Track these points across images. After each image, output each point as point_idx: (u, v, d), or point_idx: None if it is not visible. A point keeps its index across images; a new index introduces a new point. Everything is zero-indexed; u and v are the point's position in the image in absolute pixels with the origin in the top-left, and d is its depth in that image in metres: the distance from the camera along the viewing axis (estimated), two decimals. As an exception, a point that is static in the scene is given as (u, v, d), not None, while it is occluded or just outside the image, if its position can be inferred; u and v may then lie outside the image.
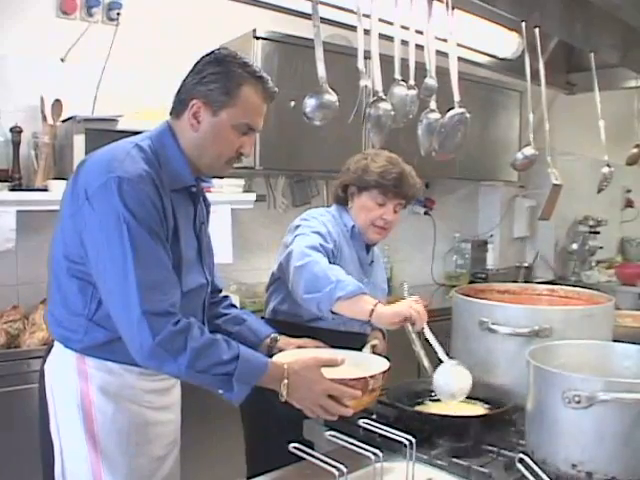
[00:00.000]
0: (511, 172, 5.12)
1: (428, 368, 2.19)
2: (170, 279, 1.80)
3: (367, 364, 2.03)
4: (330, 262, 2.35)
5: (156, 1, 3.73)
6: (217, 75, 1.89)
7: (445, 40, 2.70)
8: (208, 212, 2.23)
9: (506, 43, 4.69)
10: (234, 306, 2.38)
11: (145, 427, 1.97)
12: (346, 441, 1.60)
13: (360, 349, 2.33)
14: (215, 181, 3.83)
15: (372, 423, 1.74)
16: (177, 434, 2.15)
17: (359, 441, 1.59)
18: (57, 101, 3.40)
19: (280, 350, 2.20)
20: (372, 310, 2.16)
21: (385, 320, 2.20)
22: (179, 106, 1.96)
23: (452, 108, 2.68)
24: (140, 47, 3.80)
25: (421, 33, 2.62)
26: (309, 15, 3.54)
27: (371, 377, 1.87)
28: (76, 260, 1.84)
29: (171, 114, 2.00)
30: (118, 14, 3.79)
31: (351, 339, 2.42)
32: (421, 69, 2.65)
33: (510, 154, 5.24)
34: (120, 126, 3.35)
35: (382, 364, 2.00)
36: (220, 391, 1.79)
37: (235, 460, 2.74)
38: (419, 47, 2.64)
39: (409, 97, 2.50)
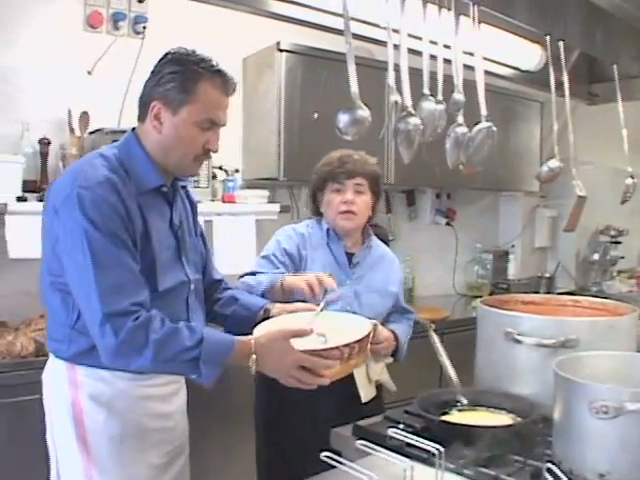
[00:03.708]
0: (532, 182, 5.12)
1: (454, 378, 2.20)
2: (133, 280, 1.82)
3: (353, 328, 2.00)
4: (289, 272, 2.54)
5: (181, 15, 3.77)
6: (174, 74, 1.91)
7: (471, 54, 2.72)
8: (194, 210, 2.25)
9: (529, 55, 4.71)
10: (228, 288, 2.38)
11: (141, 435, 1.98)
12: (375, 450, 1.61)
13: None
14: (240, 192, 3.89)
15: (401, 432, 1.75)
16: (181, 442, 2.15)
17: (388, 450, 1.61)
18: (84, 113, 3.45)
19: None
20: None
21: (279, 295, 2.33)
22: (142, 110, 1.98)
23: (479, 122, 2.70)
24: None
25: (448, 47, 2.63)
26: (332, 29, 3.60)
27: (345, 346, 1.85)
28: (55, 273, 1.90)
29: (138, 119, 2.01)
30: (144, 27, 3.85)
31: None
32: (446, 82, 2.67)
33: (531, 164, 5.28)
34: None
35: (364, 328, 1.99)
36: (193, 376, 1.82)
37: (247, 470, 2.79)
38: (446, 61, 2.66)
39: (438, 112, 2.52)
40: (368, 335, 1.95)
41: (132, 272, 1.82)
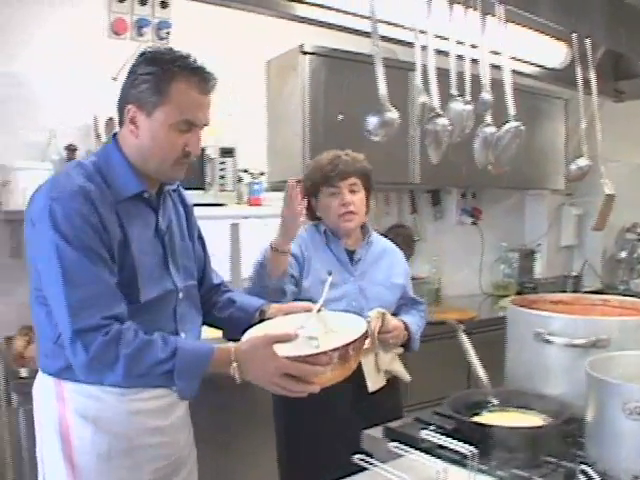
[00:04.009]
0: (558, 180, 5.11)
1: (484, 378, 2.20)
2: (106, 292, 1.75)
3: (350, 328, 1.87)
4: (295, 272, 2.62)
5: (204, 19, 3.79)
6: (147, 75, 1.81)
7: (498, 53, 2.71)
8: (188, 213, 2.17)
9: (554, 53, 4.68)
10: (228, 291, 2.30)
11: (131, 451, 1.91)
12: (408, 452, 1.61)
13: None
14: (265, 194, 3.89)
15: (433, 434, 1.74)
16: (180, 455, 2.08)
17: (420, 451, 1.61)
18: (110, 119, 3.48)
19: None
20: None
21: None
22: (119, 114, 1.91)
23: (507, 121, 2.68)
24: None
25: (475, 47, 2.62)
26: (356, 30, 3.59)
27: (334, 350, 1.72)
28: (38, 287, 1.85)
29: (118, 124, 1.94)
30: (167, 33, 3.88)
31: None
32: (473, 82, 2.66)
33: (557, 162, 5.26)
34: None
35: (359, 329, 1.86)
36: (173, 388, 1.76)
37: (269, 475, 2.81)
38: (473, 61, 2.65)
39: (466, 112, 2.51)
40: (363, 336, 1.83)
41: (106, 285, 1.75)
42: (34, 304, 1.89)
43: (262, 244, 2.52)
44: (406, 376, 2.70)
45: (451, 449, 1.67)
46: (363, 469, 1.57)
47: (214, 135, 3.61)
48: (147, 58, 1.85)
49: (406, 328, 2.67)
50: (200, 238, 2.25)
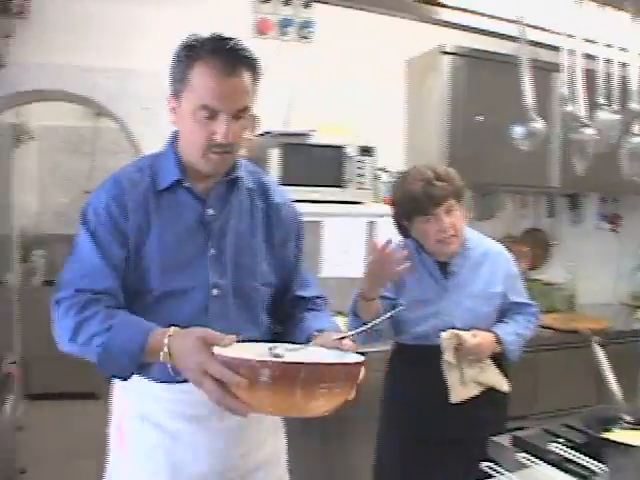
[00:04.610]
0: None
1: (617, 393, 2.16)
2: (90, 271, 1.76)
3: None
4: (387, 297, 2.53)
5: (345, 19, 3.86)
6: (175, 62, 1.77)
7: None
8: (271, 215, 1.98)
9: None
10: (313, 309, 2.02)
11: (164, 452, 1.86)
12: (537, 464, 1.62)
13: None
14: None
15: (562, 447, 1.74)
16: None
17: (547, 464, 1.61)
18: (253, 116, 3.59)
19: None
20: None
21: None
22: None
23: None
24: (330, 64, 3.99)
25: (624, 50, 2.55)
26: (498, 33, 3.56)
27: (261, 362, 1.38)
28: None
29: None
30: (310, 33, 3.98)
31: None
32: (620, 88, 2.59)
33: None
34: (312, 140, 3.53)
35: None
36: (105, 369, 1.67)
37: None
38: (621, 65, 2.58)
39: (613, 122, 2.45)
40: (295, 366, 1.38)
41: (91, 264, 1.76)
42: None
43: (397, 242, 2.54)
44: (503, 386, 2.59)
45: (580, 464, 1.66)
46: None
47: (351, 134, 3.67)
48: (183, 43, 1.78)
49: (498, 340, 2.56)
50: (297, 245, 2.06)
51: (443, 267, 2.62)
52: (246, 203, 1.94)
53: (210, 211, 1.86)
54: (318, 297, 2.08)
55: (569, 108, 2.38)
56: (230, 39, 1.73)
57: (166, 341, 1.56)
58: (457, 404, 2.49)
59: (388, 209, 3.74)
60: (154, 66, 3.62)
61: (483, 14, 3.11)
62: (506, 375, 2.61)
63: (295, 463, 2.12)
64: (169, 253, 1.81)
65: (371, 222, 3.61)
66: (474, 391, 2.52)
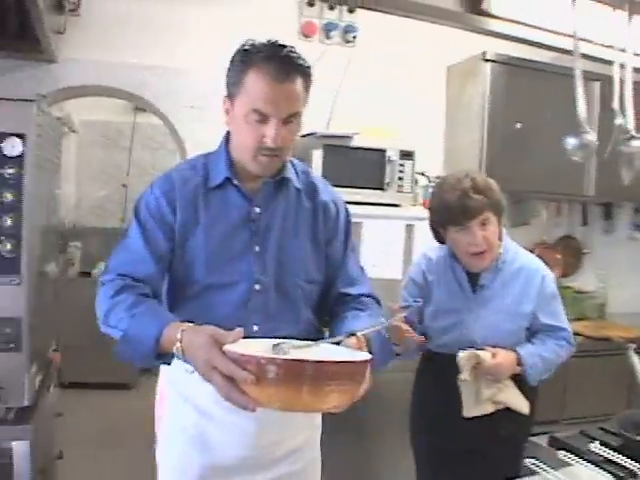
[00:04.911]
0: None
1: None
2: (132, 258, 1.87)
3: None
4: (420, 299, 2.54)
5: (387, 25, 3.92)
6: (232, 65, 1.84)
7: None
8: (317, 214, 2.03)
9: None
10: (354, 307, 2.01)
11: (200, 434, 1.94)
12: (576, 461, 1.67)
13: None
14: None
15: (603, 449, 1.79)
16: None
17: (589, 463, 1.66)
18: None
19: None
20: None
21: None
22: None
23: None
24: (373, 68, 4.06)
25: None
26: (534, 42, 3.61)
27: (268, 359, 1.40)
28: None
29: None
30: (354, 37, 4.05)
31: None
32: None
33: None
34: (354, 143, 3.59)
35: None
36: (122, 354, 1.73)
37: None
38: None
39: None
40: (302, 364, 1.41)
41: (135, 253, 1.88)
42: None
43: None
44: (523, 409, 2.49)
45: (617, 465, 1.71)
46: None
47: (393, 137, 3.73)
48: (241, 47, 1.83)
49: (519, 361, 2.47)
50: (345, 242, 2.10)
51: (474, 279, 2.57)
52: (292, 203, 2.00)
53: (256, 210, 1.93)
54: (366, 295, 2.07)
55: (619, 121, 2.42)
56: (285, 46, 1.79)
57: (179, 335, 1.60)
58: (474, 417, 2.46)
59: (426, 213, 3.80)
60: (201, 65, 3.74)
61: (528, 24, 3.17)
62: (527, 397, 2.51)
63: (329, 457, 2.19)
64: (214, 248, 1.89)
65: (409, 225, 3.66)
66: (489, 409, 2.47)
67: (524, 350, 2.49)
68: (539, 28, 3.46)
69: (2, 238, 2.47)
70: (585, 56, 3.57)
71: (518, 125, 4.00)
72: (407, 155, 3.69)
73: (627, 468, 1.66)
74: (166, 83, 3.81)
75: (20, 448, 2.49)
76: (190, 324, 1.65)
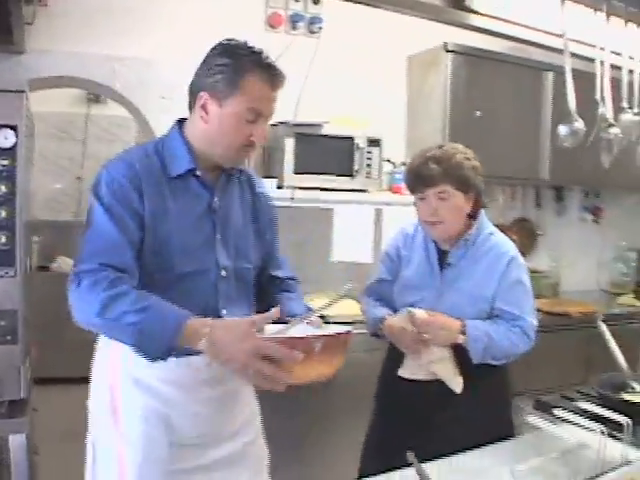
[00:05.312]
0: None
1: (624, 365, 2.36)
2: (111, 245, 1.84)
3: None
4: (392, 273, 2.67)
5: (351, 16, 4.01)
6: (222, 66, 1.91)
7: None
8: (256, 202, 2.20)
9: None
10: (288, 290, 2.24)
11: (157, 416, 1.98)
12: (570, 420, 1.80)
13: None
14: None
15: (592, 405, 1.92)
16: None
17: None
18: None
19: None
20: None
21: None
22: (191, 99, 2.01)
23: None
24: (338, 58, 4.17)
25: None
26: (494, 32, 3.74)
27: (315, 338, 1.64)
28: None
29: (188, 108, 2.04)
30: (319, 28, 4.15)
31: None
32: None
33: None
34: (324, 131, 3.71)
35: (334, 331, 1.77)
36: (135, 347, 1.75)
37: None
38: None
39: (634, 123, 2.71)
40: (336, 337, 1.72)
41: (112, 240, 1.85)
42: None
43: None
44: (455, 387, 2.42)
45: (604, 419, 1.84)
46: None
47: (360, 125, 3.84)
48: (223, 49, 1.95)
49: (463, 331, 2.40)
50: (271, 225, 2.27)
51: (444, 257, 2.55)
52: (240, 193, 2.16)
53: (217, 200, 2.05)
54: (291, 278, 2.31)
55: (601, 110, 2.60)
56: (265, 52, 1.95)
57: (207, 330, 1.68)
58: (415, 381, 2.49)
59: (392, 197, 3.92)
60: (169, 56, 3.77)
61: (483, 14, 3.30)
62: (467, 377, 2.42)
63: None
64: (186, 237, 1.97)
65: (378, 209, 3.78)
66: (420, 376, 2.47)
67: (471, 322, 2.41)
68: (497, 18, 3.58)
69: (-3, 231, 2.43)
70: (538, 45, 3.77)
71: (478, 113, 4.14)
72: (374, 142, 3.81)
73: (612, 423, 1.79)
74: (136, 74, 3.82)
75: (17, 441, 2.50)
76: (211, 320, 1.75)
